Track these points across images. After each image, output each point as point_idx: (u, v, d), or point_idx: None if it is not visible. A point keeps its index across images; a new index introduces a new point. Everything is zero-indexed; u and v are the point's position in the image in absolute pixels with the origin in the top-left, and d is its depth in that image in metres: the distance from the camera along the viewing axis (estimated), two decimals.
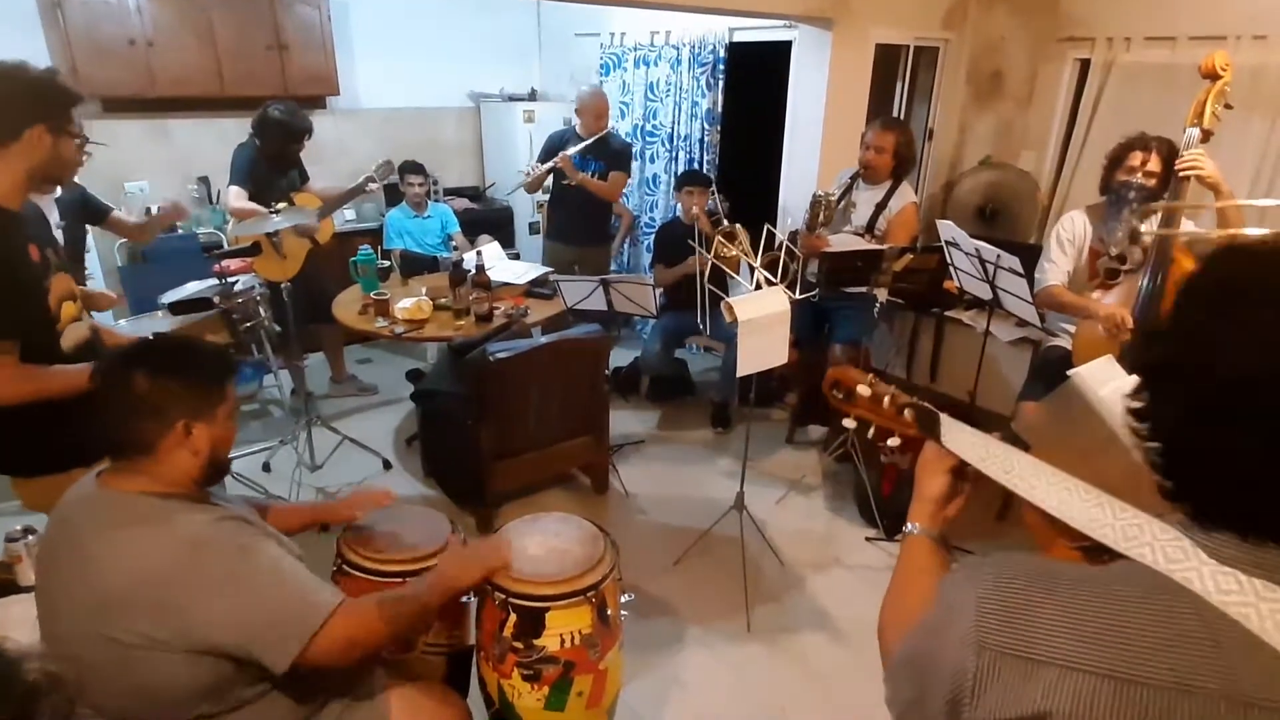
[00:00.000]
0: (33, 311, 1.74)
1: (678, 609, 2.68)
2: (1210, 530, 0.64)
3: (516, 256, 4.84)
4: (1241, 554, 0.62)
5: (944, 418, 1.00)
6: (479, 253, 3.63)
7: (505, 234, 5.26)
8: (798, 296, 2.49)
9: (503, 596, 1.62)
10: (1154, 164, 2.56)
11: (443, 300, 3.47)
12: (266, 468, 3.50)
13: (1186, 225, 2.48)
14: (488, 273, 3.44)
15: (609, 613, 1.71)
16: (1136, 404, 0.69)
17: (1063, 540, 1.01)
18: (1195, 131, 2.33)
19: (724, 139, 4.59)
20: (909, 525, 1.00)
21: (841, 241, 3.33)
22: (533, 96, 5.65)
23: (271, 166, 3.68)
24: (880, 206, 3.39)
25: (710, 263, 2.61)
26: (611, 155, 4.08)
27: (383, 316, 3.37)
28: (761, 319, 2.35)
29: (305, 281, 3.59)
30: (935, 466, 1.00)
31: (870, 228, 3.41)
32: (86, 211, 2.96)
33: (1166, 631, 0.61)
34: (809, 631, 2.60)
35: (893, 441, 1.07)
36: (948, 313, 3.96)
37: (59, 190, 2.66)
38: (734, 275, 2.71)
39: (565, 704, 1.67)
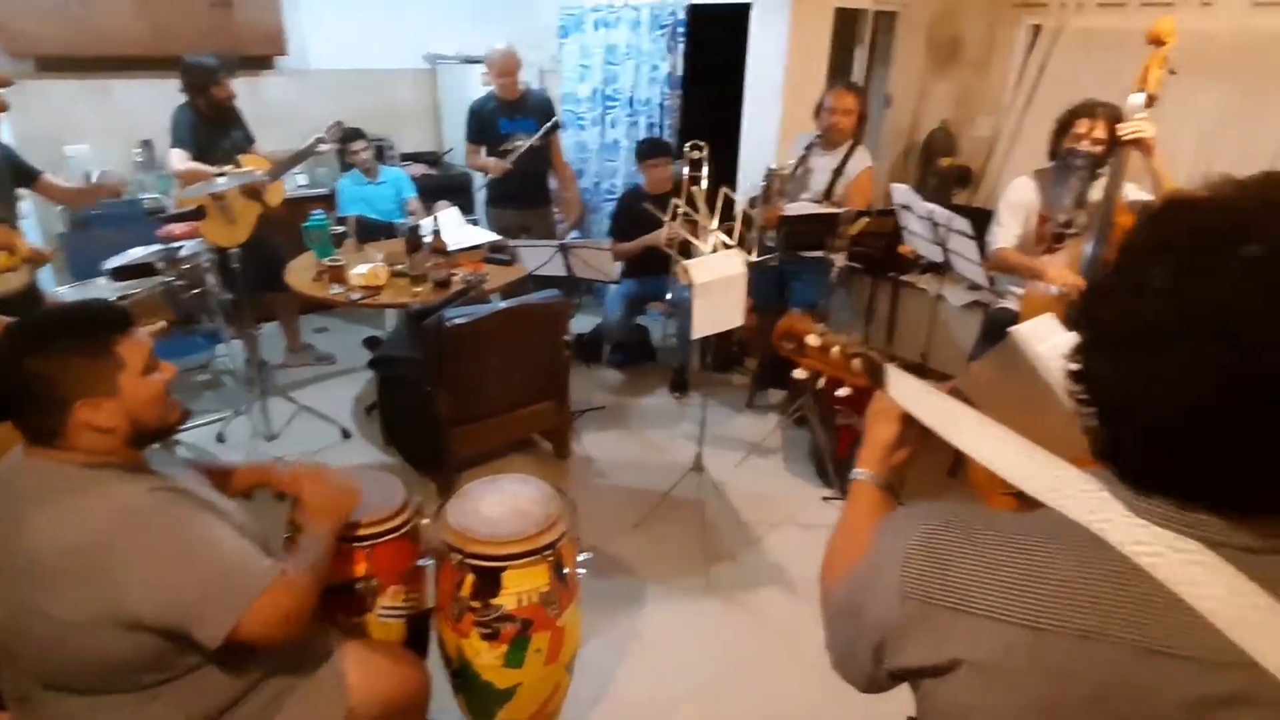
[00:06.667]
0: None
1: (638, 568, 2.72)
2: (1145, 494, 0.63)
3: (475, 223, 4.77)
4: (1176, 517, 0.61)
5: (890, 368, 1.00)
6: (436, 218, 3.58)
7: (464, 200, 5.16)
8: (754, 259, 2.51)
9: (459, 557, 1.64)
10: (1100, 131, 2.61)
11: (399, 266, 3.42)
12: (220, 438, 3.45)
13: (1129, 189, 2.54)
14: (445, 239, 3.39)
15: (566, 571, 1.73)
16: (1075, 366, 0.66)
17: (999, 488, 1.04)
18: (1141, 97, 2.37)
19: (684, 103, 4.55)
20: (856, 471, 1.00)
21: (799, 209, 3.34)
22: None
23: (211, 125, 3.56)
24: (837, 172, 3.41)
25: (676, 235, 2.61)
26: (541, 112, 4.09)
27: (338, 283, 3.30)
28: (717, 281, 2.37)
29: (256, 248, 3.49)
30: (885, 415, 1.00)
31: (828, 193, 3.43)
32: (14, 173, 2.84)
33: (1081, 582, 0.62)
34: (766, 587, 2.66)
35: (842, 391, 1.07)
36: (903, 277, 4.02)
37: None
38: (694, 240, 2.71)
39: (523, 661, 1.69)
